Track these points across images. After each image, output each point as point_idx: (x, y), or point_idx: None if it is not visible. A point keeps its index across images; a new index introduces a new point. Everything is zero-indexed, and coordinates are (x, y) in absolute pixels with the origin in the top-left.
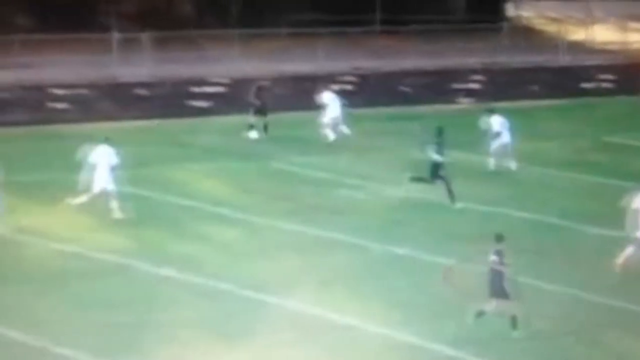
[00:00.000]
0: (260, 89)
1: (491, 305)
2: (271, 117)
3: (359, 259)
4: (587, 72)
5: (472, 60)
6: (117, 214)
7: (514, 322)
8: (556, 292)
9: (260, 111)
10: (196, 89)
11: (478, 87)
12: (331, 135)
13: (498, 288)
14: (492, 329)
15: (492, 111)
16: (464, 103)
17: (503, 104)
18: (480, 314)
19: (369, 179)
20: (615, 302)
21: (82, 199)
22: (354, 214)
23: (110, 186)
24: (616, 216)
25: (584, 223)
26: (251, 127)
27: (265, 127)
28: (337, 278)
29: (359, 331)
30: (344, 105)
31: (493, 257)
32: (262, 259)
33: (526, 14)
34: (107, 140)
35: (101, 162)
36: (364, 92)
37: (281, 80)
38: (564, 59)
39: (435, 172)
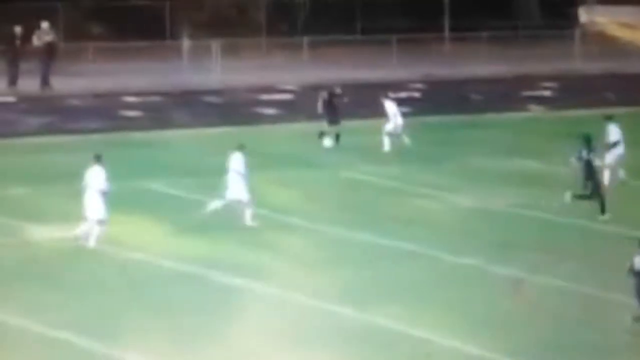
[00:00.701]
0: (332, 95)
1: None
2: (343, 125)
3: (429, 269)
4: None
5: (544, 67)
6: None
7: None
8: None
9: (333, 119)
10: (265, 97)
11: (549, 94)
12: (387, 145)
13: None
14: (561, 341)
15: (609, 118)
16: (536, 111)
17: (576, 112)
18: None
19: (439, 188)
20: None
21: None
22: (424, 224)
23: (100, 215)
24: None
25: None
26: (322, 134)
27: (338, 136)
28: (407, 289)
29: (431, 344)
30: (403, 114)
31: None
32: (332, 269)
33: (599, 20)
34: (98, 159)
35: (91, 185)
36: (433, 100)
37: (351, 87)
38: (638, 66)
39: (591, 182)
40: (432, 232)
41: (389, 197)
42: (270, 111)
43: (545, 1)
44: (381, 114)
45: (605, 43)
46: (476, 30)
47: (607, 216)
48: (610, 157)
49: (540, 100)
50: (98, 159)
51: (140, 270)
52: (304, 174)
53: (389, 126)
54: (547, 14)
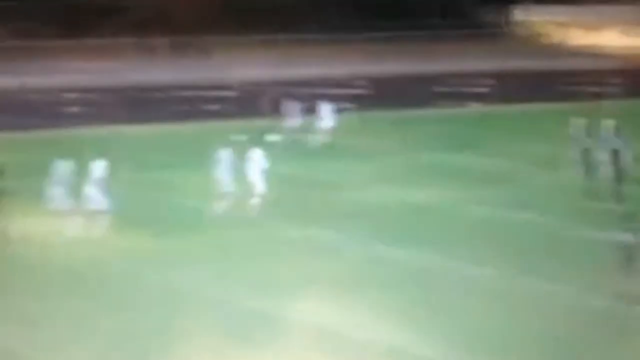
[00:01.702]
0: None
1: None
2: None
3: (370, 263)
4: (595, 76)
5: (482, 64)
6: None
7: None
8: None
9: None
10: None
11: (488, 90)
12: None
13: None
14: (512, 336)
15: None
16: (474, 106)
17: (514, 107)
18: None
19: (386, 182)
20: None
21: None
22: (372, 218)
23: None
24: None
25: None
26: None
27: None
28: (340, 283)
29: (360, 338)
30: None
31: None
32: (264, 261)
33: (535, 18)
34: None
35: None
36: (380, 97)
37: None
38: (571, 63)
39: None
40: (378, 226)
41: (326, 192)
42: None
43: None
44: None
45: (540, 40)
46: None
47: None
48: None
49: (479, 97)
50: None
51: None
52: None
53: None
54: (478, 13)
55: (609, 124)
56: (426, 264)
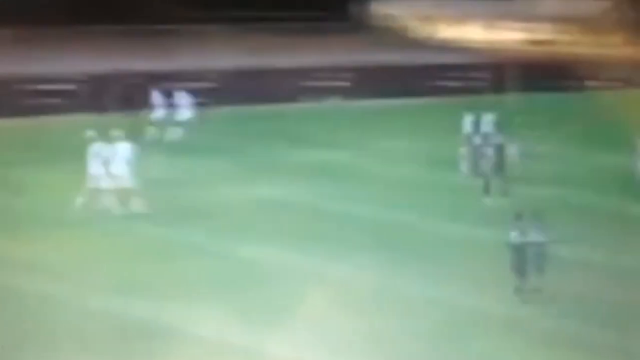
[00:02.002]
0: None
1: None
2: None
3: (222, 263)
4: (455, 71)
5: (340, 58)
6: None
7: None
8: (434, 298)
9: None
10: None
11: (346, 84)
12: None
13: None
14: (361, 334)
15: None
16: (331, 101)
17: (371, 102)
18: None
19: (235, 180)
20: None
21: None
22: (221, 217)
23: None
24: None
25: (442, 222)
26: None
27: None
28: (198, 284)
29: (220, 340)
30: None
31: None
32: (116, 263)
33: (395, 12)
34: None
35: None
36: (226, 91)
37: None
38: (432, 57)
39: None
40: (228, 225)
41: (177, 190)
42: None
43: None
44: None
45: (400, 34)
46: (271, 22)
47: None
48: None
49: (336, 91)
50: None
51: None
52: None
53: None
54: (342, 6)
55: (489, 118)
56: (287, 262)
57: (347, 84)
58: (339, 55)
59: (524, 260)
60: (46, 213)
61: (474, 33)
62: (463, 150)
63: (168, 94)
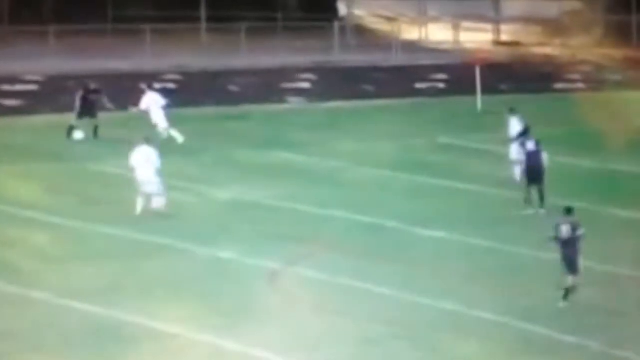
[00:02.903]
0: (88, 91)
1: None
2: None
3: (182, 264)
4: (421, 72)
5: (303, 59)
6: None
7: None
8: (391, 296)
9: (88, 113)
10: (7, 88)
11: (309, 86)
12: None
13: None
14: (321, 334)
15: (512, 111)
16: (294, 102)
17: (335, 104)
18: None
19: (196, 181)
20: (450, 305)
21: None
22: (180, 218)
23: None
24: (450, 218)
25: (418, 225)
26: (72, 128)
27: (96, 129)
28: (159, 284)
29: (183, 339)
30: (167, 106)
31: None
32: (79, 265)
33: (359, 12)
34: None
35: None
36: (189, 92)
37: (103, 78)
38: (397, 59)
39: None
40: (189, 226)
41: None
42: (12, 102)
43: None
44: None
45: (364, 36)
46: (235, 21)
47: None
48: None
49: (299, 92)
50: (147, 140)
51: None
52: (49, 167)
53: (157, 120)
54: (306, 6)
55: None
56: (252, 264)
57: (311, 85)
58: (304, 56)
59: (574, 254)
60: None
61: (442, 34)
62: (514, 155)
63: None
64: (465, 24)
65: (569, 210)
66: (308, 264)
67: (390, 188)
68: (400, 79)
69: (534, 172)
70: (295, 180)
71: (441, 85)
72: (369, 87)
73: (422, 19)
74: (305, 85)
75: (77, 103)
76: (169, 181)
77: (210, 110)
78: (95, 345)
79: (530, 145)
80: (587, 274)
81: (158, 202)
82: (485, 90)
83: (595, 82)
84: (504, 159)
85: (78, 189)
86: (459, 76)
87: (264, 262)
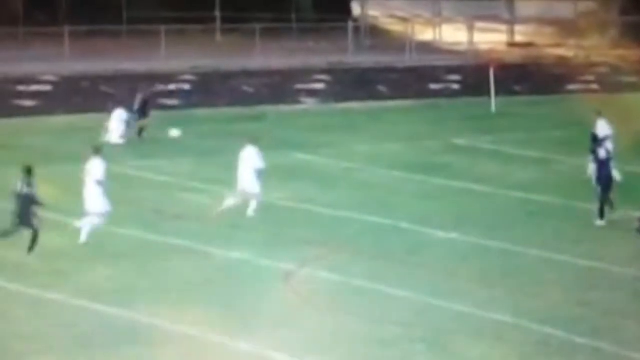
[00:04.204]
0: (151, 93)
1: None
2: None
3: (198, 265)
4: (435, 73)
5: (317, 60)
6: None
7: None
8: (404, 297)
9: (145, 113)
10: (23, 88)
11: (323, 87)
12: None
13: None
14: (335, 335)
15: (599, 113)
16: (308, 103)
17: (349, 105)
18: None
19: (212, 182)
20: (464, 307)
21: None
22: (196, 219)
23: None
24: (464, 220)
25: (432, 227)
26: (142, 129)
27: (142, 130)
28: (175, 286)
29: (197, 341)
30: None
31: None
32: (95, 266)
33: (373, 13)
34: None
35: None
36: (204, 92)
37: (119, 79)
38: (411, 59)
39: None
40: (203, 227)
41: (158, 192)
42: (28, 103)
43: None
44: (156, 106)
45: (378, 36)
46: (249, 22)
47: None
48: (603, 152)
49: (313, 93)
50: (97, 151)
51: None
52: (66, 168)
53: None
54: (321, 8)
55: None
56: (264, 265)
57: (325, 86)
58: (318, 56)
59: None
60: None
61: (456, 35)
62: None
63: (142, 95)
64: (480, 24)
65: None
66: (322, 265)
67: (404, 189)
68: (414, 80)
69: (605, 179)
70: (309, 182)
71: (455, 87)
72: (383, 88)
73: (436, 19)
74: (320, 86)
75: (139, 105)
76: (185, 182)
77: (224, 111)
78: (110, 347)
79: (603, 153)
80: (605, 277)
81: (253, 204)
82: (500, 92)
83: (610, 84)
84: (516, 160)
85: None
86: (473, 77)
87: (278, 263)
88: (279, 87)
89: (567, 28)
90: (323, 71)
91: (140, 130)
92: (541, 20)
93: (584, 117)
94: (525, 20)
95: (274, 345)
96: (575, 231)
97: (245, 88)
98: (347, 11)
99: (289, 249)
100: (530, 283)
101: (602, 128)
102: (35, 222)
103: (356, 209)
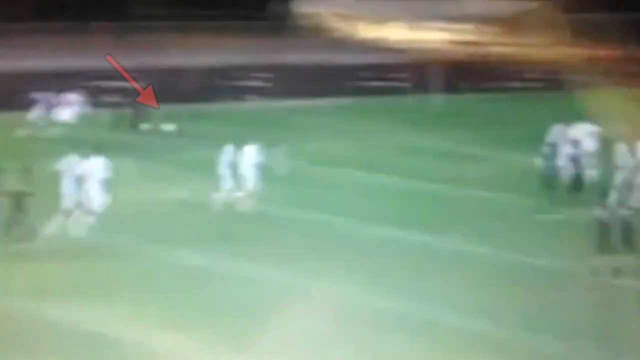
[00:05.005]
0: None
1: None
2: None
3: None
4: (379, 71)
5: (258, 58)
6: None
7: None
8: (401, 305)
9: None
10: None
11: (263, 84)
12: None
13: None
14: (326, 342)
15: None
16: (251, 100)
17: (292, 102)
18: None
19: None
20: (460, 314)
21: None
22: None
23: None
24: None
25: (373, 224)
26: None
27: None
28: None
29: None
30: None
31: None
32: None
33: (317, 10)
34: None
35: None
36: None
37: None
38: (354, 57)
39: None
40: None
41: None
42: None
43: None
44: None
45: (321, 34)
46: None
47: None
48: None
49: (254, 91)
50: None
51: None
52: None
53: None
54: (263, 5)
55: None
56: (224, 266)
57: (268, 83)
58: (260, 54)
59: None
60: None
61: (397, 33)
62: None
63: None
64: (424, 23)
65: None
66: (288, 266)
67: (347, 187)
68: (358, 78)
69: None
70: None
71: (400, 84)
72: (326, 86)
73: (380, 17)
74: (260, 83)
75: None
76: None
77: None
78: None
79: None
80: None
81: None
82: (443, 90)
83: (556, 81)
84: (461, 158)
85: None
86: (417, 75)
87: (235, 264)
88: (225, 84)
89: (511, 26)
90: (263, 69)
91: None
92: (485, 18)
93: (529, 115)
94: (469, 19)
95: (257, 352)
96: (526, 226)
97: (191, 85)
98: (289, 8)
99: (246, 250)
100: (526, 289)
101: (623, 156)
102: None
103: (319, 208)
